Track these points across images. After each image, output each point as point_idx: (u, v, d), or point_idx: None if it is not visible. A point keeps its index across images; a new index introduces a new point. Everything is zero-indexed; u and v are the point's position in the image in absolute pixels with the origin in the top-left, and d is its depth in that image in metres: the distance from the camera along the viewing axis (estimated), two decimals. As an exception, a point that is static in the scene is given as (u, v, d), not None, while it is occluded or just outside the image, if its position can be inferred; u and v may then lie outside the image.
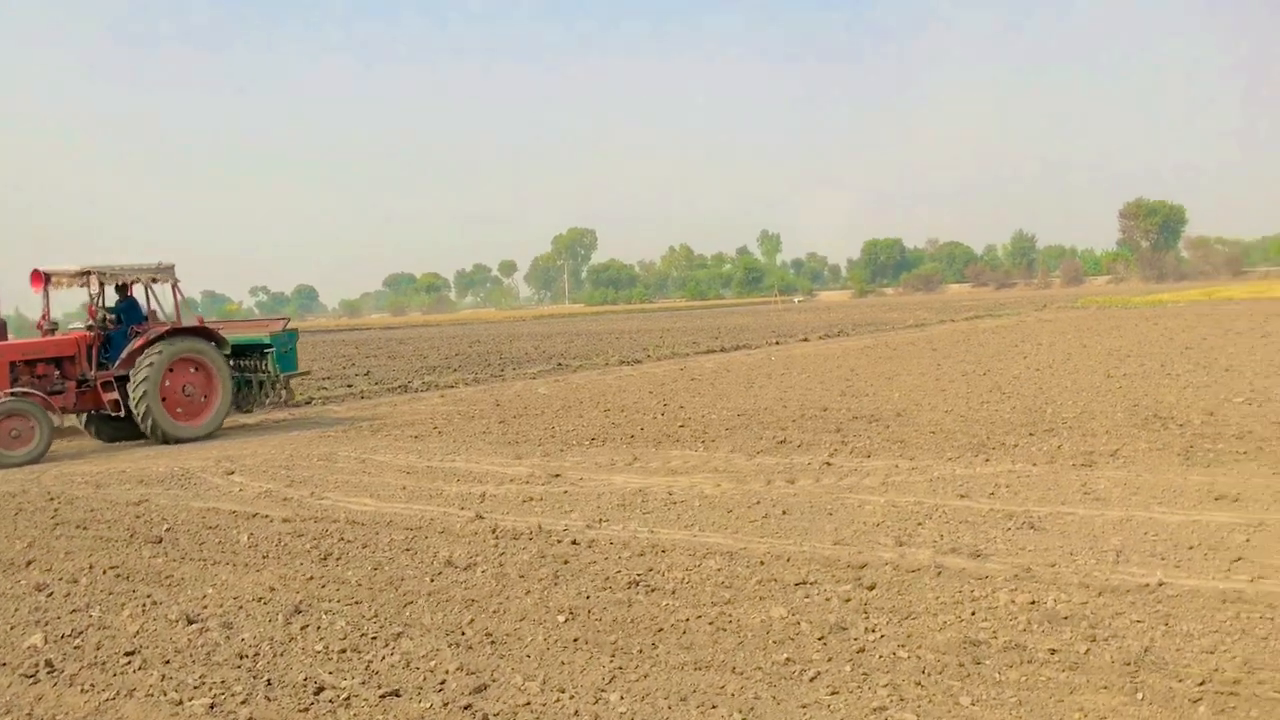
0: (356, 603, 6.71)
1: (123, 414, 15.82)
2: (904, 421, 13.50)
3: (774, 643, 5.54)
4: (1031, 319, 44.63)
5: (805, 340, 36.13)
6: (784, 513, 8.64)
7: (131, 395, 15.51)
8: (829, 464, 10.77)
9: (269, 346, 18.04)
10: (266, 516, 9.67)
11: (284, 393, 18.38)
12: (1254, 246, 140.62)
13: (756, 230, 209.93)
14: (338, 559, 7.91)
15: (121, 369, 15.84)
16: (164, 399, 15.76)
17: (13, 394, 14.63)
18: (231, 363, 17.31)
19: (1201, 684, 4.68)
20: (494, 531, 8.46)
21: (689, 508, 9.06)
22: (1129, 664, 4.96)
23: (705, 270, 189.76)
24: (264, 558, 8.10)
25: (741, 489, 9.75)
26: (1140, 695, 4.62)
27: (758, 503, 9.07)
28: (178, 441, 15.74)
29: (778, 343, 35.16)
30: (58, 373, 15.66)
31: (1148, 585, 6.11)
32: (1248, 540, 7.01)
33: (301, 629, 6.21)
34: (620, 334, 48.76)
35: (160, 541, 8.83)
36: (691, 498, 9.47)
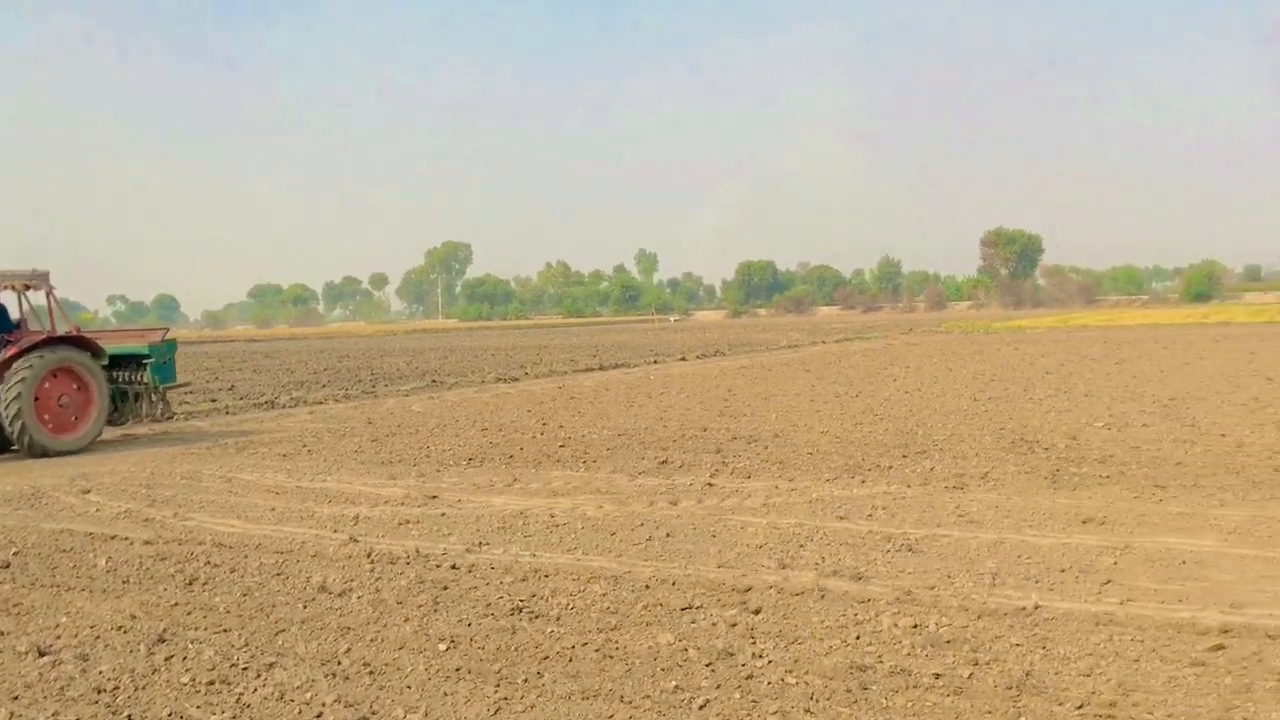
0: (225, 631, 6.39)
1: None
2: (782, 442, 13.64)
3: (662, 670, 5.46)
4: (899, 342, 45.88)
5: (683, 359, 36.38)
6: (668, 535, 8.59)
7: (4, 406, 14.87)
8: (711, 485, 10.79)
9: (147, 357, 17.35)
10: (126, 539, 9.18)
11: (161, 406, 17.63)
12: (1105, 276, 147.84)
13: (634, 249, 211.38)
14: (204, 584, 7.54)
15: None
16: (38, 410, 15.14)
17: None
18: (109, 374, 16.65)
19: (1080, 707, 4.78)
20: (369, 555, 8.18)
21: (572, 530, 8.94)
22: (1011, 688, 5.03)
23: (582, 287, 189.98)
24: (124, 583, 7.67)
25: (624, 511, 9.67)
26: (1023, 719, 4.68)
27: (641, 525, 9.01)
28: (52, 455, 15.07)
29: (656, 361, 35.32)
30: None
31: (1024, 608, 6.25)
32: (1115, 563, 7.24)
33: (166, 659, 5.87)
34: (496, 350, 48.31)
35: (7, 566, 8.29)
36: (574, 520, 9.35)
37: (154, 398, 17.38)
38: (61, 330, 15.99)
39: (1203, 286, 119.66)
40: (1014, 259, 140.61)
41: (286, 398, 23.92)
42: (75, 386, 15.71)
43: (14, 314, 16.15)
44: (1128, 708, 4.77)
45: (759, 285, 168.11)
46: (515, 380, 28.36)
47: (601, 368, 32.60)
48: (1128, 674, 5.18)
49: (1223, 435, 12.88)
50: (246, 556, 8.34)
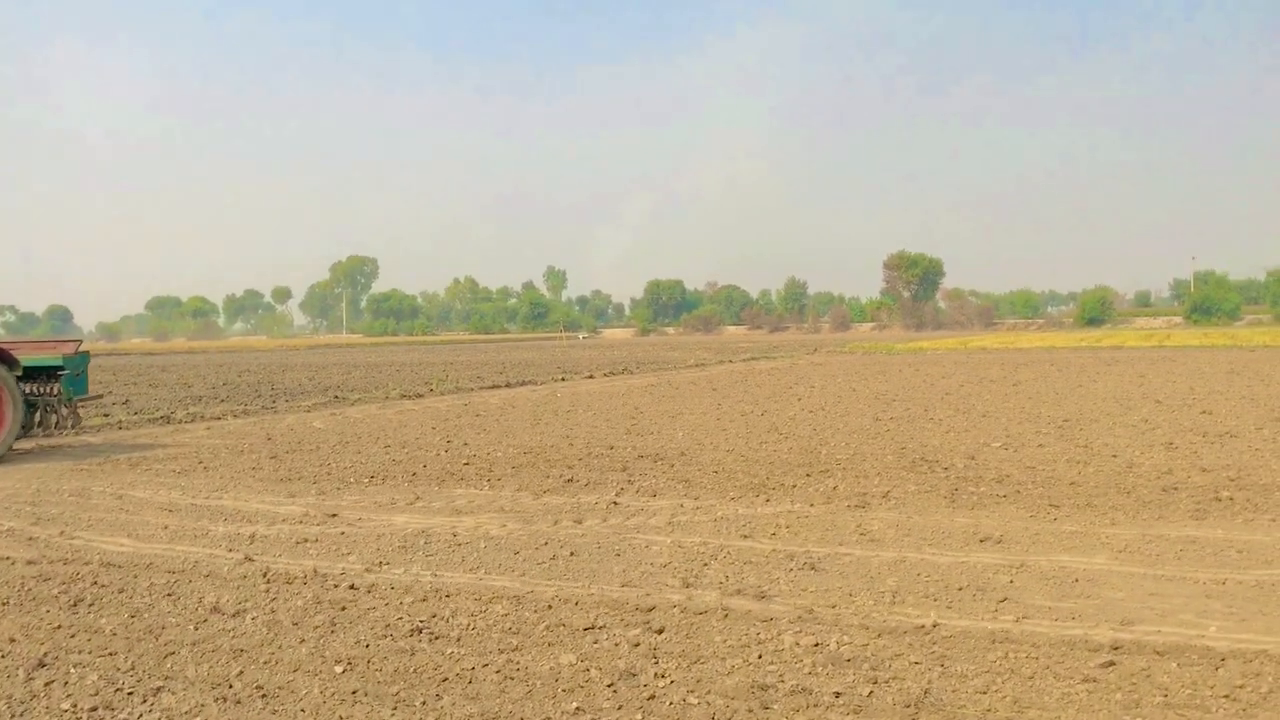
0: (111, 654, 6.14)
1: None
2: (688, 461, 13.67)
3: (563, 691, 5.40)
4: (804, 362, 46.49)
5: (590, 377, 36.33)
6: (572, 554, 8.53)
7: None
8: (616, 503, 10.75)
9: (61, 369, 17.09)
10: (8, 558, 8.78)
11: (72, 418, 17.40)
12: (1003, 300, 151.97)
13: (543, 266, 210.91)
14: (90, 605, 7.24)
15: None
16: None
17: None
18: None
19: (977, 724, 4.85)
20: (265, 575, 7.95)
21: (474, 549, 8.81)
22: (909, 706, 5.08)
23: (490, 304, 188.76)
24: (3, 605, 7.32)
25: (528, 529, 9.57)
26: (921, 737, 4.73)
27: (545, 544, 8.92)
28: None
29: (563, 379, 35.20)
30: None
31: (923, 626, 6.33)
32: (1011, 581, 7.39)
33: (46, 685, 5.61)
34: (401, 366, 47.66)
35: (-126, 588, 7.86)
36: (477, 539, 9.22)
37: (65, 410, 17.17)
38: None
39: (1096, 311, 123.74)
40: (916, 282, 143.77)
41: (183, 413, 23.23)
42: None
43: None
44: (1022, 724, 4.85)
45: (667, 304, 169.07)
46: (420, 397, 27.99)
47: (508, 385, 32.37)
48: (1023, 691, 5.27)
49: (1114, 456, 13.28)
50: (136, 576, 8.04)
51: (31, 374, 16.85)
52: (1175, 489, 10.83)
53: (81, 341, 18.70)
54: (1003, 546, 8.47)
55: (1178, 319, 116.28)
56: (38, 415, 16.97)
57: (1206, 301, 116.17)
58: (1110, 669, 5.55)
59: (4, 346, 16.19)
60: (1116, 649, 5.86)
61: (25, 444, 17.43)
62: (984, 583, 7.36)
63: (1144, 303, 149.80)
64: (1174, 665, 5.59)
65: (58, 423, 17.24)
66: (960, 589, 7.22)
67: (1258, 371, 30.79)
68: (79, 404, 17.62)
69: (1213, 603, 6.79)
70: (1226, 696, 5.14)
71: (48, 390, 17.14)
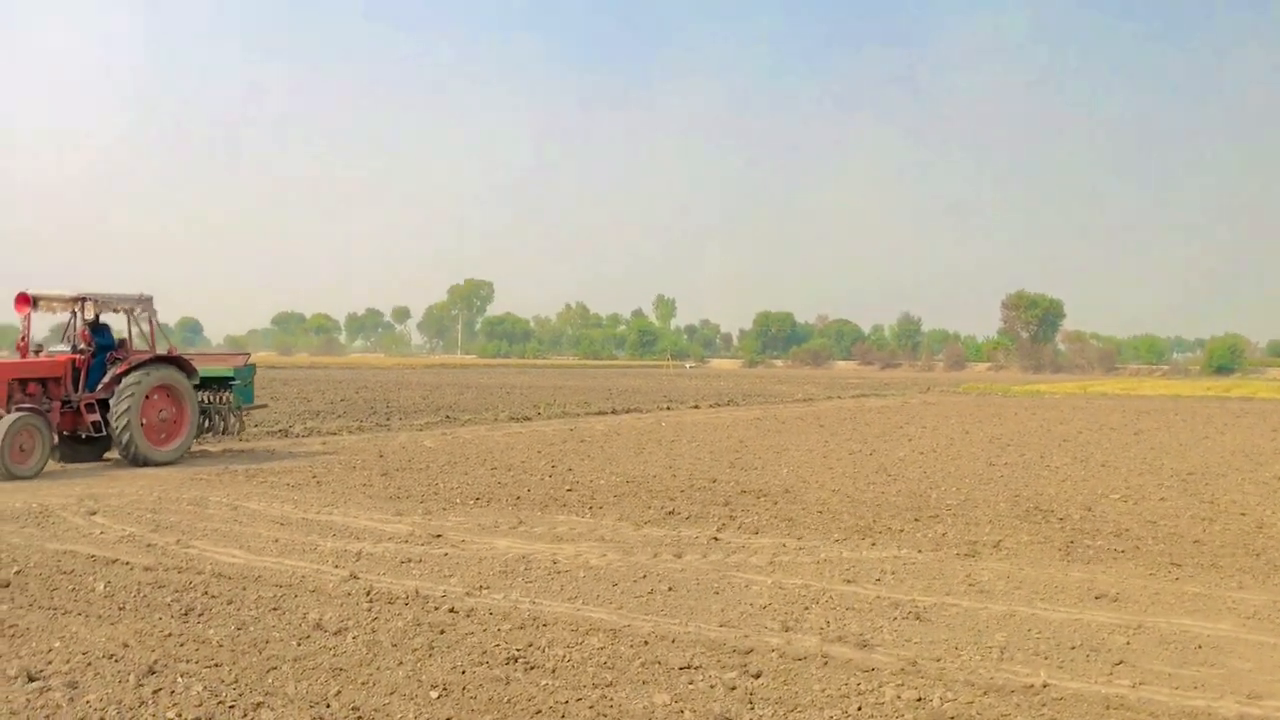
0: (216, 665, 6.28)
1: (98, 435, 16.40)
2: (792, 499, 13.49)
3: (656, 732, 5.32)
4: (916, 401, 45.63)
5: (696, 407, 36.25)
6: (670, 589, 8.45)
7: (114, 418, 16.09)
8: (717, 539, 10.64)
9: (233, 380, 18.84)
10: (127, 563, 9.11)
11: (238, 425, 19.07)
12: (1126, 344, 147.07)
13: (652, 294, 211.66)
14: (200, 615, 7.44)
15: (104, 392, 16.44)
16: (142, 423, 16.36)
17: (23, 409, 15.21)
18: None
19: (1087, 796, 4.61)
20: (368, 594, 8.07)
21: (573, 578, 8.81)
22: (1015, 771, 4.87)
23: (600, 330, 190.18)
24: (120, 609, 7.58)
25: (628, 561, 9.54)
26: (1027, 806, 4.52)
27: (644, 577, 8.87)
28: (149, 464, 16.28)
29: (669, 408, 35.20)
30: (43, 392, 16.12)
31: (1032, 686, 6.08)
32: (1128, 643, 7.06)
33: (154, 693, 5.77)
34: (511, 389, 48.31)
35: (7, 585, 8.22)
36: (576, 567, 9.21)
37: (234, 417, 18.82)
38: (162, 350, 17.44)
39: (1225, 359, 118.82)
40: (1035, 323, 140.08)
41: (301, 427, 23.90)
42: (172, 403, 17.03)
43: (117, 334, 17.79)
44: (1136, 799, 4.60)
45: (776, 336, 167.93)
46: (528, 420, 28.29)
47: (614, 411, 32.50)
48: (1137, 763, 5.01)
49: (1243, 514, 12.66)
50: (245, 589, 8.24)
51: (206, 383, 18.46)
52: (1309, 553, 10.26)
53: (250, 355, 20.81)
54: (1119, 605, 8.10)
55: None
56: (208, 421, 18.43)
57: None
58: (1234, 746, 5.24)
59: (186, 357, 17.86)
60: (1242, 724, 5.53)
61: (210, 446, 19.04)
62: (1098, 643, 7.05)
63: (1277, 352, 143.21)
64: (1305, 746, 5.25)
65: (226, 429, 18.81)
66: (1073, 648, 6.92)
67: (1403, 430, 29.11)
68: (246, 411, 19.34)
69: (1349, 680, 6.37)
70: (1363, 784, 4.80)
71: (219, 399, 18.77)
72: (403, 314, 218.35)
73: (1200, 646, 7.02)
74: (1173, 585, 8.83)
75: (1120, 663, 6.62)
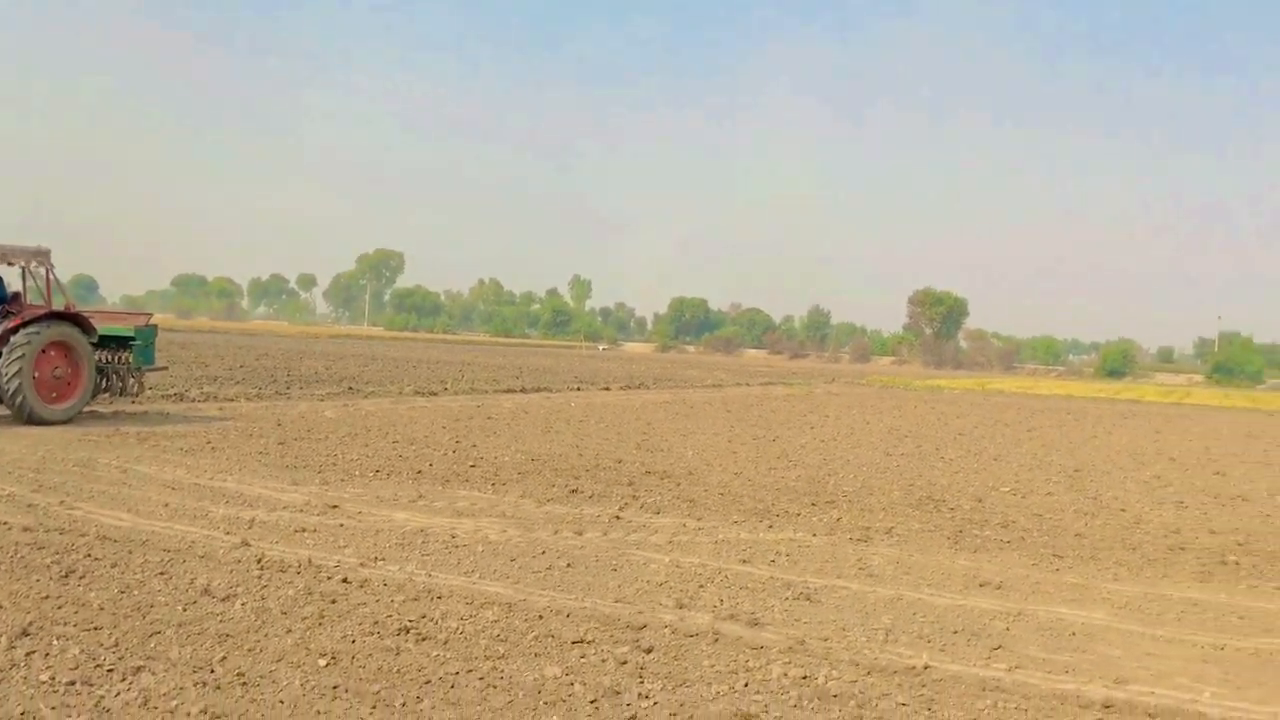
0: (95, 629, 6.13)
1: None
2: (695, 481, 13.62)
3: (545, 704, 5.35)
4: (821, 391, 46.32)
5: (607, 389, 36.29)
6: (568, 565, 8.48)
7: (4, 373, 15.64)
8: (618, 518, 10.70)
9: (133, 339, 18.20)
10: (4, 523, 8.81)
11: (137, 386, 18.51)
12: (1025, 345, 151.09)
13: (568, 274, 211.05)
14: (81, 578, 7.24)
15: None
16: (35, 380, 15.93)
17: None
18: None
19: (959, 772, 4.77)
20: (259, 561, 7.94)
21: (471, 552, 8.78)
22: (892, 747, 5.01)
23: (513, 308, 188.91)
24: (-6, 571, 7.33)
25: (528, 536, 9.54)
26: (901, 781, 4.66)
27: (543, 552, 8.88)
28: (41, 422, 15.75)
29: (579, 389, 35.18)
30: None
31: (914, 667, 6.25)
32: (1007, 629, 7.30)
33: (27, 655, 5.60)
34: (419, 363, 47.74)
35: (-128, 543, 7.89)
36: (475, 542, 9.19)
37: (133, 379, 18.27)
38: (59, 306, 16.80)
39: (1117, 363, 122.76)
40: (939, 320, 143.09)
41: (198, 392, 23.31)
42: (68, 361, 16.51)
43: (11, 287, 17.17)
44: (1005, 776, 4.77)
45: (690, 322, 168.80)
46: (434, 395, 28.02)
47: (523, 390, 32.37)
48: (1008, 742, 5.19)
49: (1122, 510, 13.15)
50: (130, 552, 8.04)
51: (105, 342, 17.88)
52: (1182, 549, 10.70)
53: (152, 315, 20.10)
54: (1002, 593, 8.37)
55: (1199, 377, 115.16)
56: (105, 381, 17.89)
57: (1230, 362, 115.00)
58: (1100, 727, 5.46)
59: (84, 315, 17.25)
60: (1108, 707, 5.77)
61: (101, 408, 18.42)
62: (979, 628, 7.27)
63: (1166, 359, 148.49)
64: (1165, 729, 5.50)
65: (124, 390, 18.28)
66: (955, 632, 7.13)
67: (1276, 437, 30.50)
68: (145, 373, 18.68)
69: (1209, 668, 6.68)
70: (1216, 765, 5.05)
71: (118, 359, 18.18)
72: (308, 281, 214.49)
73: (1074, 634, 7.29)
74: (1053, 575, 9.15)
75: (999, 647, 6.84)
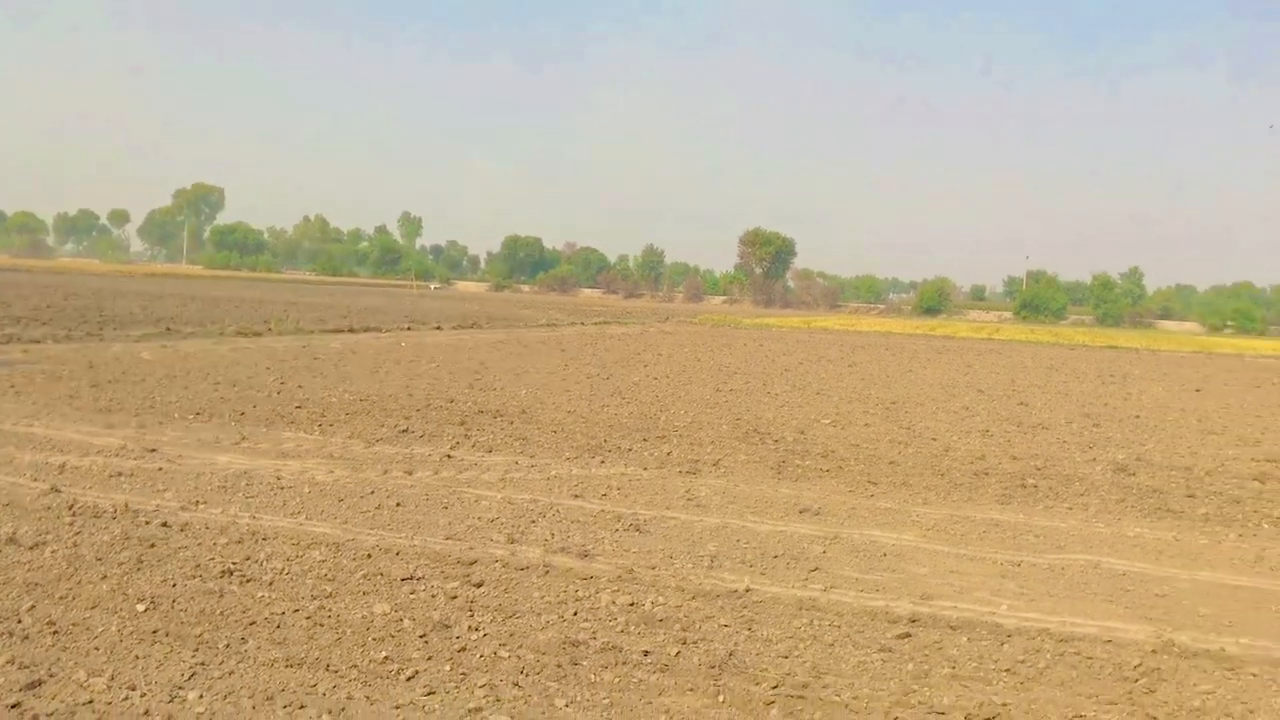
0: (-113, 583, 5.79)
1: None
2: (528, 419, 13.67)
3: (374, 640, 5.36)
4: (655, 330, 46.92)
5: (438, 329, 35.84)
6: (398, 505, 8.44)
7: None
8: (450, 456, 10.68)
9: None
10: None
11: None
12: (849, 284, 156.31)
13: (398, 211, 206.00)
14: None
15: None
16: None
17: None
18: None
19: (775, 687, 5.03)
20: (71, 508, 7.62)
21: (297, 494, 8.63)
22: (714, 667, 5.23)
23: (341, 245, 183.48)
24: None
25: (356, 477, 9.43)
26: (721, 698, 4.88)
27: (372, 493, 8.81)
28: None
29: (410, 329, 34.63)
30: None
31: (736, 591, 6.52)
32: (824, 552, 7.67)
33: None
34: (241, 302, 46.05)
35: None
36: (301, 483, 9.03)
37: None
38: None
39: (933, 301, 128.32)
40: (769, 260, 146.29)
41: (-3, 333, 21.94)
42: None
43: None
44: (818, 689, 5.05)
45: (524, 261, 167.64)
46: (258, 335, 27.12)
47: (351, 330, 31.65)
48: (822, 657, 5.49)
49: (934, 439, 13.88)
50: (-74, 502, 7.59)
51: None
52: (986, 474, 11.40)
53: None
54: (820, 518, 8.77)
55: (1008, 314, 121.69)
56: None
57: (1036, 300, 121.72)
58: (906, 640, 5.83)
59: None
60: (914, 621, 6.15)
61: None
62: (799, 552, 7.62)
63: (979, 297, 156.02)
64: (964, 639, 5.91)
65: None
66: (776, 557, 7.45)
67: (1075, 369, 32.59)
68: None
69: (1006, 582, 7.19)
70: (1008, 670, 5.46)
71: None
72: (121, 217, 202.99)
73: (886, 555, 7.72)
74: (868, 501, 9.63)
75: (816, 569, 7.19)
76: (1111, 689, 5.27)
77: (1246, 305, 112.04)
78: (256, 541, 7.06)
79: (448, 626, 5.60)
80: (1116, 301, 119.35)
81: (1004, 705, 4.98)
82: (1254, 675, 5.57)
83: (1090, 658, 5.70)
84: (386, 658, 5.11)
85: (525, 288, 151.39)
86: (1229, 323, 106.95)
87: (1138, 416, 18.41)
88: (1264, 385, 29.41)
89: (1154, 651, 5.85)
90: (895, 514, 9.14)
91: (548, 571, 6.75)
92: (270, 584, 6.17)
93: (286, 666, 4.96)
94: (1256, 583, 7.54)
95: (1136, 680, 5.40)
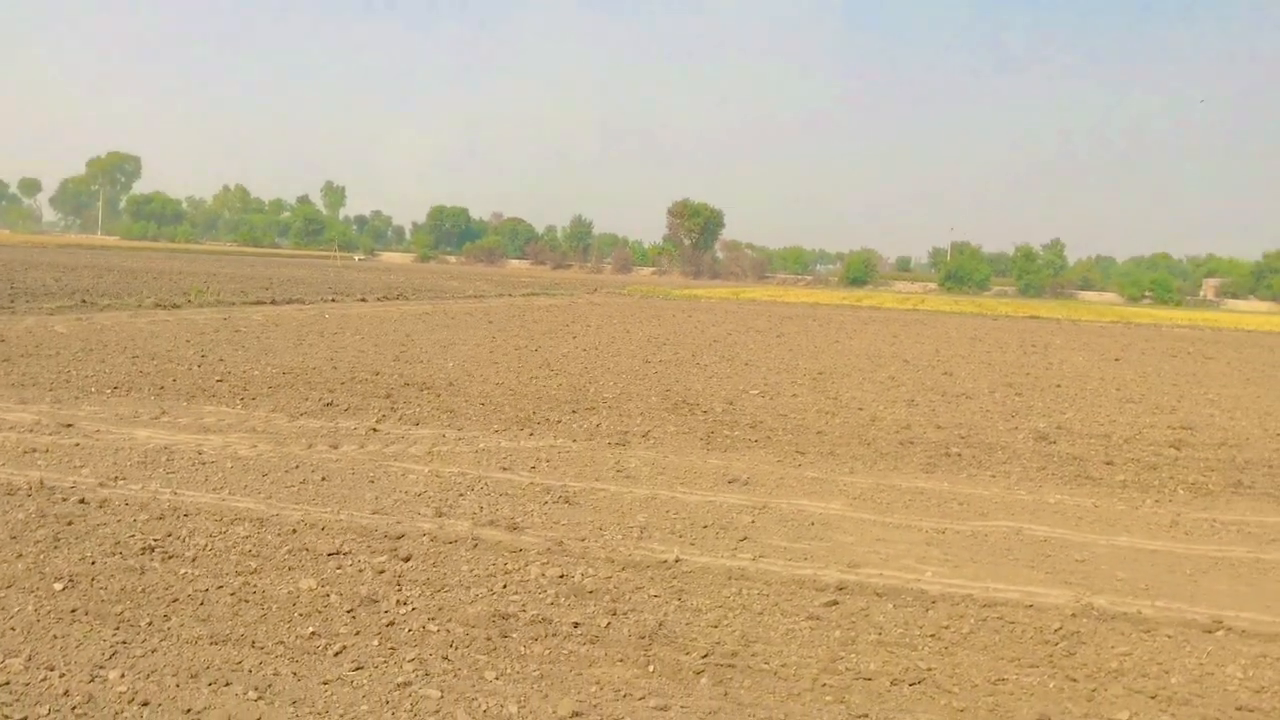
0: None
1: None
2: (455, 391, 13.57)
3: (300, 615, 5.30)
4: (583, 301, 46.82)
5: (363, 300, 35.35)
6: (323, 479, 8.34)
7: None
8: (376, 430, 10.56)
9: None
10: None
11: None
12: (777, 255, 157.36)
13: (320, 180, 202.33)
14: None
15: None
16: None
17: None
18: None
19: (705, 656, 5.08)
20: (-18, 486, 7.40)
21: (220, 469, 8.48)
22: (644, 637, 5.27)
23: (262, 216, 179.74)
24: None
25: (280, 451, 9.29)
26: (651, 668, 4.92)
27: (296, 467, 8.68)
28: None
29: (334, 300, 34.11)
30: None
31: (666, 561, 6.56)
32: (753, 521, 7.75)
33: None
34: (159, 274, 44.93)
35: None
36: (223, 458, 8.87)
37: None
38: None
39: (860, 273, 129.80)
40: (697, 231, 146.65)
41: (-100, 306, 21.16)
42: None
43: None
44: (747, 658, 5.11)
45: (450, 232, 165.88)
46: (176, 308, 26.51)
47: (274, 302, 31.07)
48: (751, 626, 5.55)
49: (860, 409, 14.08)
50: None
51: None
52: (911, 443, 11.60)
53: None
54: (749, 488, 8.85)
55: (933, 285, 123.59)
56: None
57: (960, 271, 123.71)
58: (833, 608, 5.93)
59: None
60: (841, 589, 6.25)
61: None
62: (728, 522, 7.69)
63: (905, 268, 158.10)
64: (890, 606, 6.02)
65: None
66: (705, 527, 7.51)
67: (998, 339, 33.24)
68: None
69: (932, 549, 7.34)
70: (933, 636, 5.58)
71: None
72: (32, 186, 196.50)
73: (814, 524, 7.82)
74: (796, 471, 9.74)
75: (745, 539, 7.26)
76: (1033, 652, 5.41)
77: (1164, 276, 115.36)
78: (178, 518, 6.93)
79: (375, 601, 5.56)
80: (1039, 272, 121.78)
81: (929, 670, 5.09)
82: (1169, 637, 5.76)
83: (1012, 622, 5.85)
84: (313, 633, 5.06)
85: (451, 259, 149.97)
86: (1147, 293, 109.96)
87: (1059, 386, 18.85)
88: (1180, 355, 30.30)
89: (1074, 615, 6.01)
90: (822, 483, 9.26)
91: (476, 545, 6.72)
92: (193, 560, 6.06)
93: (211, 644, 4.88)
94: (1172, 547, 7.79)
95: (1057, 644, 5.55)
